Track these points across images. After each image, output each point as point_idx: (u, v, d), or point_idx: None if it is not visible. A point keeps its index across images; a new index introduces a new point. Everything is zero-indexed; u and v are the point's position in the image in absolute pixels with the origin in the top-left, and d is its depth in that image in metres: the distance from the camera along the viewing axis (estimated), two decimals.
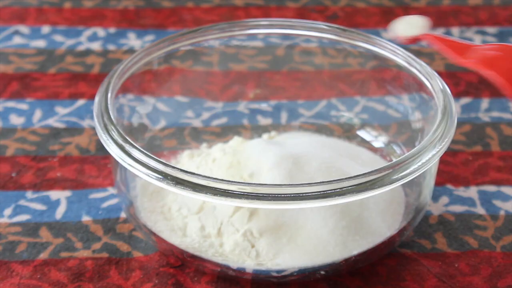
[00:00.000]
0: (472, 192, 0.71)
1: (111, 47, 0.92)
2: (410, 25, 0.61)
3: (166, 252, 0.64)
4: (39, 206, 0.69)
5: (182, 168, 0.55)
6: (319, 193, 0.54)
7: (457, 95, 0.84)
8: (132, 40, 0.94)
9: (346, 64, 0.77)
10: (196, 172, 0.55)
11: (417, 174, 0.57)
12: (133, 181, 0.66)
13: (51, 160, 0.75)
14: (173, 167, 0.55)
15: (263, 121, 0.79)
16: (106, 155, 0.74)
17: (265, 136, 0.75)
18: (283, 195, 0.54)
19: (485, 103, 0.83)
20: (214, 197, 0.54)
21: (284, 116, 0.79)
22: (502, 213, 0.69)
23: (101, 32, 0.95)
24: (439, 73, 0.67)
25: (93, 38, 0.94)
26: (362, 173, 0.55)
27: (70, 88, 0.85)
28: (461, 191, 0.71)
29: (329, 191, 0.54)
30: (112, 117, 0.60)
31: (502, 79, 0.53)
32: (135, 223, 0.65)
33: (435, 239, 0.66)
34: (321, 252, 0.61)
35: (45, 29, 0.96)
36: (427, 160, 0.57)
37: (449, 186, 0.72)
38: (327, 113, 0.79)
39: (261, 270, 0.60)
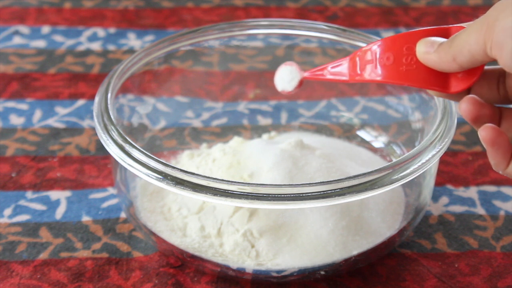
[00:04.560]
0: (472, 192, 0.71)
1: (111, 47, 0.92)
2: (286, 79, 0.60)
3: (166, 252, 0.64)
4: (39, 206, 0.69)
5: (182, 168, 0.55)
6: (319, 193, 0.54)
7: None
8: (132, 40, 0.94)
9: None
10: (196, 172, 0.55)
11: (417, 174, 0.57)
12: (133, 181, 0.66)
13: (51, 160, 0.75)
14: (173, 167, 0.55)
15: (263, 121, 0.79)
16: (106, 155, 0.74)
17: (265, 136, 0.75)
18: (283, 195, 0.54)
19: None
20: (214, 197, 0.54)
21: (284, 116, 0.79)
22: (502, 213, 0.69)
23: (101, 32, 0.95)
24: None
25: (93, 38, 0.94)
26: (362, 173, 0.55)
27: (70, 88, 0.85)
28: (461, 191, 0.71)
29: (329, 191, 0.54)
30: (112, 117, 0.60)
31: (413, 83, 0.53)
32: (135, 223, 0.65)
33: (435, 239, 0.66)
34: (321, 252, 0.61)
35: (45, 29, 0.96)
36: (427, 160, 0.57)
37: (449, 186, 0.72)
38: (327, 113, 0.79)
39: (261, 270, 0.60)
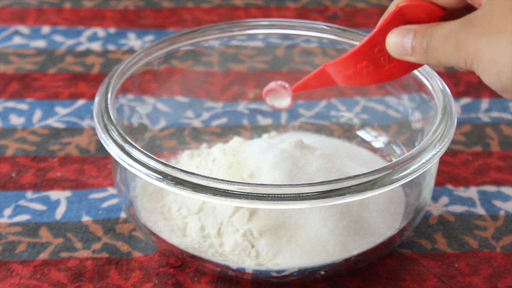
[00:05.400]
0: (472, 192, 0.71)
1: (111, 47, 0.92)
2: (279, 100, 0.62)
3: (166, 252, 0.64)
4: (39, 206, 0.69)
5: (182, 168, 0.55)
6: (319, 193, 0.54)
7: (457, 95, 0.84)
8: (132, 40, 0.94)
9: None
10: (196, 172, 0.55)
11: (417, 174, 0.57)
12: (133, 181, 0.66)
13: (51, 160, 0.75)
14: (173, 167, 0.55)
15: (263, 121, 0.79)
16: (106, 155, 0.74)
17: (265, 136, 0.75)
18: (283, 195, 0.54)
19: (485, 103, 0.83)
20: (214, 197, 0.54)
21: (284, 116, 0.79)
22: (502, 213, 0.69)
23: (101, 32, 0.95)
24: (439, 73, 0.67)
25: (93, 38, 0.94)
26: (362, 173, 0.55)
27: (70, 88, 0.85)
28: (461, 191, 0.71)
29: (329, 191, 0.54)
30: (112, 117, 0.60)
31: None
32: (135, 223, 0.65)
33: (435, 239, 0.66)
34: (321, 252, 0.61)
35: (45, 29, 0.96)
36: (427, 160, 0.57)
37: (449, 186, 0.72)
38: (327, 113, 0.79)
39: (261, 270, 0.60)
